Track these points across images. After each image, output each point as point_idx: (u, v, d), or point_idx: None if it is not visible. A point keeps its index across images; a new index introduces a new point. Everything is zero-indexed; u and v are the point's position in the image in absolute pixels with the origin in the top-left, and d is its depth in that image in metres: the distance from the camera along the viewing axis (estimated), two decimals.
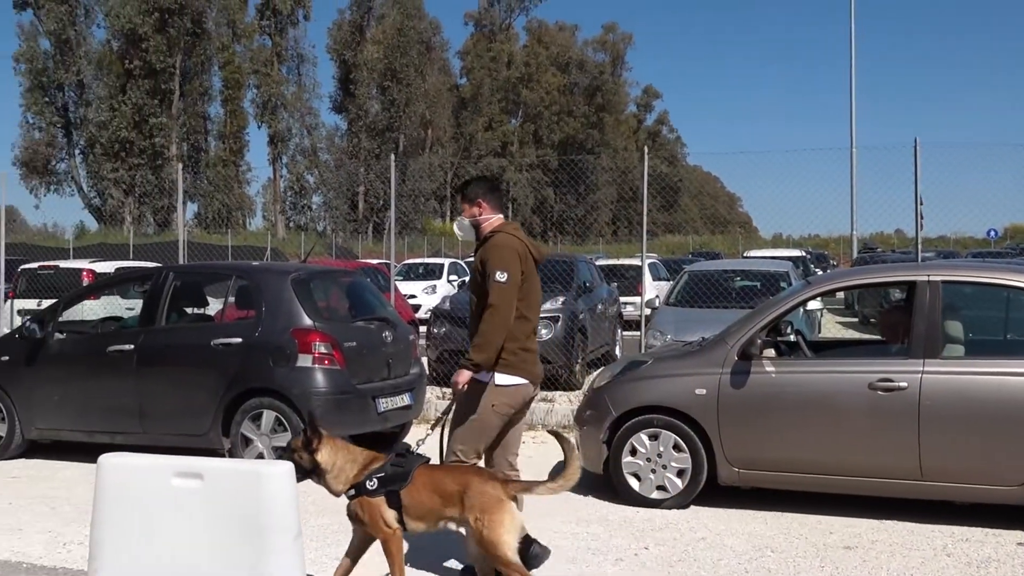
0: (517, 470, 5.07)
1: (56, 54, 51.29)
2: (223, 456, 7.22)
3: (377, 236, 56.91)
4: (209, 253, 30.08)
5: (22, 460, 8.20)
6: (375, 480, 4.32)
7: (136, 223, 48.88)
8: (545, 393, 10.80)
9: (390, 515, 4.31)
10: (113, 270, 14.24)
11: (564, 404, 10.13)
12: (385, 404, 7.78)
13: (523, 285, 4.78)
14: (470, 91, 75.26)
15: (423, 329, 13.25)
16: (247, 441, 7.33)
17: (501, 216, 4.99)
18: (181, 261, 12.84)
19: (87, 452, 7.89)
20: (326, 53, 67.44)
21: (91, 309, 11.06)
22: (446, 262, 26.37)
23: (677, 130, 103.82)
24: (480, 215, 4.96)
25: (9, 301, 13.98)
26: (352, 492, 4.37)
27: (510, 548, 4.20)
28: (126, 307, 11.91)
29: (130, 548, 3.94)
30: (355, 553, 4.53)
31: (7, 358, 8.32)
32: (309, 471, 4.40)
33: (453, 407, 4.90)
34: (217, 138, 59.30)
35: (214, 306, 8.98)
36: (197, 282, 8.85)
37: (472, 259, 5.38)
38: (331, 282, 8.62)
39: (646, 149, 11.26)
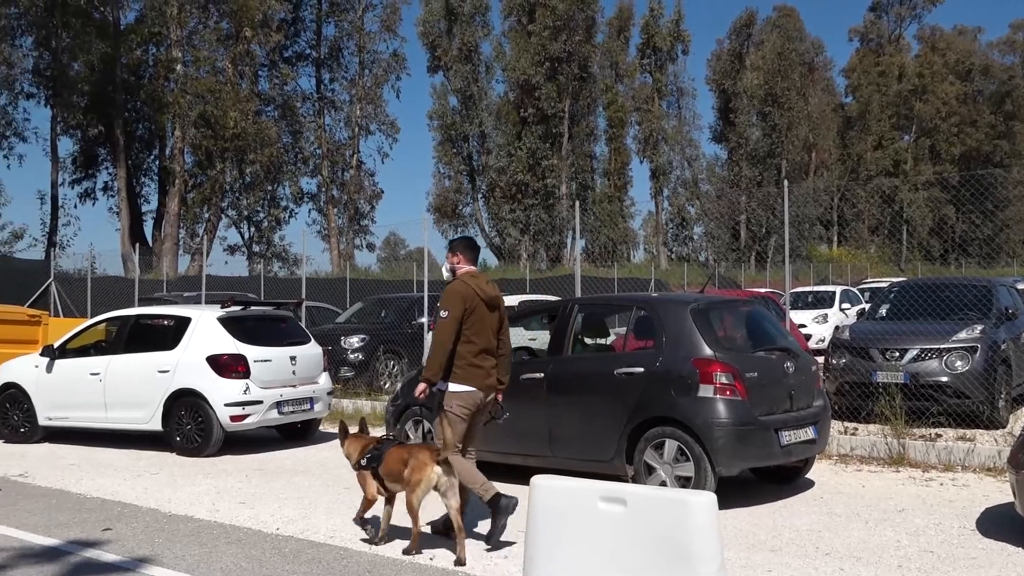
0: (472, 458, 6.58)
1: (462, 109, 56.90)
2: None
3: (760, 264, 55.70)
4: (596, 286, 31.25)
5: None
6: (364, 460, 6.35)
7: (531, 259, 52.31)
8: (964, 431, 9.84)
9: (372, 483, 6.35)
10: (517, 303, 15.30)
11: (987, 444, 9.16)
12: (788, 437, 7.52)
13: (469, 318, 6.22)
14: (857, 109, 71.43)
15: (819, 359, 12.67)
16: (650, 469, 7.43)
17: (472, 267, 6.53)
18: (577, 294, 13.47)
19: (498, 472, 8.53)
20: (705, 84, 68.02)
21: None
22: (838, 289, 25.08)
23: None
24: (457, 264, 6.52)
25: (430, 333, 15.50)
26: (356, 467, 6.49)
27: (417, 500, 6.05)
28: (528, 337, 12.69)
29: (559, 564, 4.17)
30: (390, 499, 6.48)
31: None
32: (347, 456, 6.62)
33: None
34: (602, 175, 61.80)
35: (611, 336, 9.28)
36: (599, 313, 9.27)
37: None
38: (730, 312, 8.53)
39: None
